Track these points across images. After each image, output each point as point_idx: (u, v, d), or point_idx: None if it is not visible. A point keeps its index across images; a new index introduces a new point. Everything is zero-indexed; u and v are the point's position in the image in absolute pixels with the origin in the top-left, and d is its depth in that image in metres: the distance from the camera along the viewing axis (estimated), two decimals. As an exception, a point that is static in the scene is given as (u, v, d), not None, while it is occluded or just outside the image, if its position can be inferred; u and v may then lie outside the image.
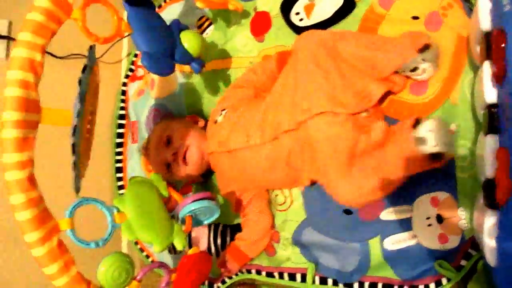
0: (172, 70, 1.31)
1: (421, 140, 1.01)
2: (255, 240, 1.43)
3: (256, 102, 1.40)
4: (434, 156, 1.00)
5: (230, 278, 1.53)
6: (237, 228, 1.51)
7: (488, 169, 0.94)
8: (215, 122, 1.47)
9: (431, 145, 1.00)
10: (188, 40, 1.36)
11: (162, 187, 1.21)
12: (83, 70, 1.04)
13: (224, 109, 1.47)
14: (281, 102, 1.27)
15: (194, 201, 1.21)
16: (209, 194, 1.24)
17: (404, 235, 1.21)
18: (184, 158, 1.47)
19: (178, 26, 1.37)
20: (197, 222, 1.29)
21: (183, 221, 1.22)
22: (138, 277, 1.10)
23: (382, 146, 1.10)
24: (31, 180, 0.90)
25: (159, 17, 1.32)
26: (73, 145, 0.97)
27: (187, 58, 1.37)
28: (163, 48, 1.26)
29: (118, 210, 1.02)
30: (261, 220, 1.43)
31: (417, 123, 1.04)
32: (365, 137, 1.13)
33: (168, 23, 1.36)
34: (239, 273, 1.49)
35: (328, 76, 1.19)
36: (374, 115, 1.22)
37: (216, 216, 1.28)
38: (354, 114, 1.17)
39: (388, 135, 1.12)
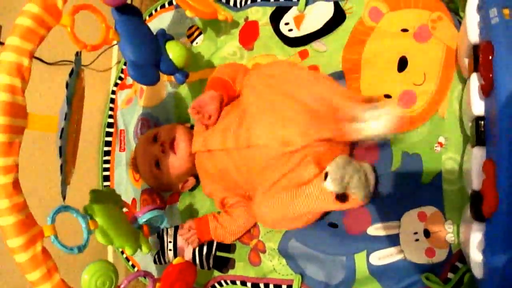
0: (156, 80, 1.31)
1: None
2: (227, 232, 1.44)
3: (235, 105, 1.41)
4: (340, 196, 1.15)
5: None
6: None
7: (475, 181, 0.94)
8: None
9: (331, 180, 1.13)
10: (173, 51, 1.35)
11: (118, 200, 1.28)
12: (70, 74, 1.04)
13: None
14: (259, 117, 1.28)
15: (145, 213, 1.28)
16: (154, 206, 1.33)
17: (391, 250, 1.20)
18: (172, 147, 1.46)
19: (163, 36, 1.37)
20: (154, 228, 1.36)
21: (141, 229, 1.27)
22: (122, 286, 1.10)
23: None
24: (16, 185, 0.90)
25: (146, 27, 1.31)
26: (60, 148, 0.97)
27: (172, 69, 1.37)
28: (148, 57, 1.26)
29: (92, 218, 1.02)
30: (242, 218, 1.43)
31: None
32: (295, 174, 1.20)
33: (154, 33, 1.36)
34: (224, 284, 1.48)
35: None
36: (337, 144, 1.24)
37: (165, 222, 1.39)
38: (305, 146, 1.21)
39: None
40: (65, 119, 0.98)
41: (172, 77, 1.64)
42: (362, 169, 1.15)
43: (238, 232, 1.44)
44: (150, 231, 1.29)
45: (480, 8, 0.97)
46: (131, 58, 1.21)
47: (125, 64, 1.96)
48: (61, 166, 1.00)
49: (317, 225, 1.31)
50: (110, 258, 1.99)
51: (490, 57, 0.89)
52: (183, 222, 1.59)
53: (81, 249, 0.98)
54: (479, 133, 0.96)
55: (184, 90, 1.68)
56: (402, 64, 1.23)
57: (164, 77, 1.71)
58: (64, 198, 1.07)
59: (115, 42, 1.18)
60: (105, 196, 1.20)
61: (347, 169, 1.12)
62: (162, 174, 1.49)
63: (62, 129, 0.96)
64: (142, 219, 1.23)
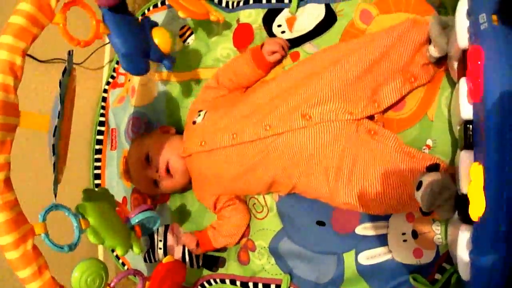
0: (147, 70, 1.31)
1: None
2: (225, 235, 1.43)
3: (236, 101, 1.41)
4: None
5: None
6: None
7: (463, 184, 0.95)
8: (194, 123, 1.44)
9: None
10: (159, 36, 1.34)
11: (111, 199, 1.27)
12: (63, 73, 1.04)
13: (201, 110, 1.46)
14: (287, 99, 1.24)
15: (137, 214, 1.26)
16: (148, 206, 1.31)
17: (379, 250, 1.21)
18: (168, 171, 1.46)
19: (149, 24, 1.36)
20: (146, 229, 1.34)
21: (133, 230, 1.26)
22: (112, 284, 1.10)
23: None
24: (7, 183, 0.90)
25: (133, 17, 1.29)
26: (53, 146, 0.97)
27: (159, 55, 1.36)
28: (139, 47, 1.25)
29: (83, 217, 1.02)
30: (234, 217, 1.43)
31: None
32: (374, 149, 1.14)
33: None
34: (213, 283, 1.49)
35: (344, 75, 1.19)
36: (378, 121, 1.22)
37: (158, 223, 1.34)
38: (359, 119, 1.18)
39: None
40: (58, 117, 0.98)
41: (163, 76, 1.65)
42: (454, 193, 0.97)
43: (236, 233, 1.44)
44: (143, 232, 1.29)
45: (469, 14, 0.98)
46: (122, 50, 1.21)
47: (117, 63, 1.96)
48: (54, 164, 1.00)
49: (305, 224, 1.32)
50: (101, 256, 1.99)
51: (479, 62, 0.90)
52: (173, 221, 1.60)
53: (71, 247, 0.98)
54: (468, 136, 0.97)
55: (175, 89, 1.68)
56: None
57: (155, 76, 1.72)
58: (55, 196, 1.07)
59: (107, 41, 1.18)
60: (98, 196, 1.20)
61: (442, 195, 0.95)
62: (161, 191, 1.53)
63: (55, 127, 0.96)
64: (134, 220, 1.23)
